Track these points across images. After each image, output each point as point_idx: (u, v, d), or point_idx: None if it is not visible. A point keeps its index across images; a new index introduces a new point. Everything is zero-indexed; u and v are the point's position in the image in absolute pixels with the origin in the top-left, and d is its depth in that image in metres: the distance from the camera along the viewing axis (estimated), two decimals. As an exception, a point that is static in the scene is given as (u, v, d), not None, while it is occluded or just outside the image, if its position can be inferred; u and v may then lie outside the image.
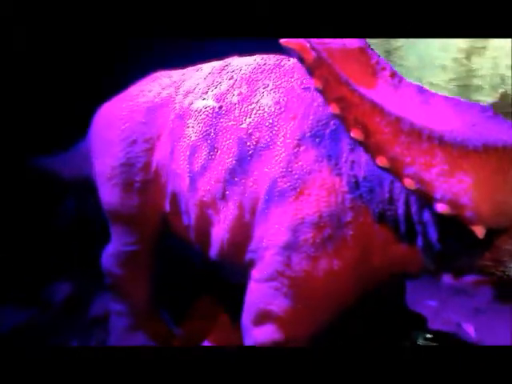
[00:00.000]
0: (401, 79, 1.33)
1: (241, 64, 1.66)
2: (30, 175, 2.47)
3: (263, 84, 1.55)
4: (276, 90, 1.52)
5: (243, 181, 1.50)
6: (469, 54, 2.82)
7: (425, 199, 1.13)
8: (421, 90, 1.33)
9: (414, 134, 1.14)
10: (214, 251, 1.63)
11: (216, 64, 1.75)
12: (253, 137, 1.49)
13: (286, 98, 1.48)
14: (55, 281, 2.49)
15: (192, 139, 1.63)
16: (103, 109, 2.00)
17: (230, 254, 1.59)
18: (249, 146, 1.50)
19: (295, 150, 1.40)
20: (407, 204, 1.29)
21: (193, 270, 2.28)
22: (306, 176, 1.37)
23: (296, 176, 1.38)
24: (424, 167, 1.11)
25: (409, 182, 1.11)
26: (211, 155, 1.56)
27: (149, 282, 1.98)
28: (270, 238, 1.42)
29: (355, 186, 1.34)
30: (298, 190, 1.37)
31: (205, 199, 1.59)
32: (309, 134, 1.40)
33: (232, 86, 1.61)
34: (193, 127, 1.64)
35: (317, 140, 1.39)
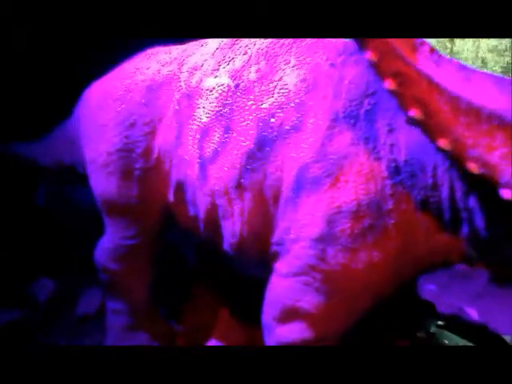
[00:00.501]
0: (440, 55, 1.23)
1: (254, 38, 1.50)
2: (2, 164, 2.24)
3: (284, 60, 1.41)
4: (300, 66, 1.38)
5: (264, 166, 1.36)
6: (452, 36, 2.77)
7: (488, 185, 1.03)
8: (460, 67, 1.23)
9: (472, 114, 1.04)
10: (228, 244, 1.50)
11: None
12: (276, 118, 1.35)
13: (312, 76, 1.35)
14: (38, 278, 2.29)
15: (203, 121, 1.48)
16: (93, 88, 1.80)
17: (247, 246, 1.46)
18: (271, 128, 1.36)
19: (328, 133, 1.27)
20: (452, 189, 1.20)
21: (189, 265, 2.15)
22: (341, 161, 1.25)
23: (331, 161, 1.26)
24: (487, 150, 1.01)
25: (473, 166, 1.01)
26: (225, 138, 1.41)
27: (149, 277, 1.83)
28: (301, 230, 1.30)
29: (395, 170, 1.23)
30: (334, 176, 1.25)
31: (217, 188, 1.44)
32: (342, 114, 1.28)
33: (247, 62, 1.46)
34: (204, 108, 1.48)
35: (351, 121, 1.27)
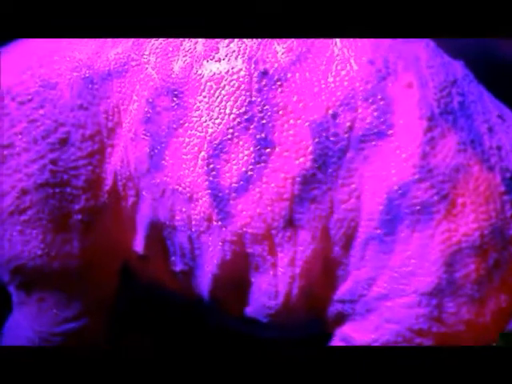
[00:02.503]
0: None
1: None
2: None
3: None
4: (351, 42, 0.96)
5: (330, 193, 0.91)
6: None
7: None
8: None
9: None
10: (261, 308, 1.01)
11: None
12: (341, 120, 0.91)
13: (379, 55, 0.94)
14: None
15: (212, 130, 0.95)
16: None
17: (293, 308, 1.00)
18: (335, 135, 0.91)
19: (429, 137, 0.89)
20: None
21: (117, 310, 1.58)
22: (453, 175, 0.88)
23: (440, 177, 0.88)
24: None
25: None
26: (262, 156, 0.92)
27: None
28: (400, 281, 0.90)
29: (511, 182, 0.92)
30: (450, 199, 0.87)
31: (250, 230, 0.94)
32: (438, 109, 0.91)
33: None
34: (210, 110, 0.95)
35: (450, 118, 0.91)
